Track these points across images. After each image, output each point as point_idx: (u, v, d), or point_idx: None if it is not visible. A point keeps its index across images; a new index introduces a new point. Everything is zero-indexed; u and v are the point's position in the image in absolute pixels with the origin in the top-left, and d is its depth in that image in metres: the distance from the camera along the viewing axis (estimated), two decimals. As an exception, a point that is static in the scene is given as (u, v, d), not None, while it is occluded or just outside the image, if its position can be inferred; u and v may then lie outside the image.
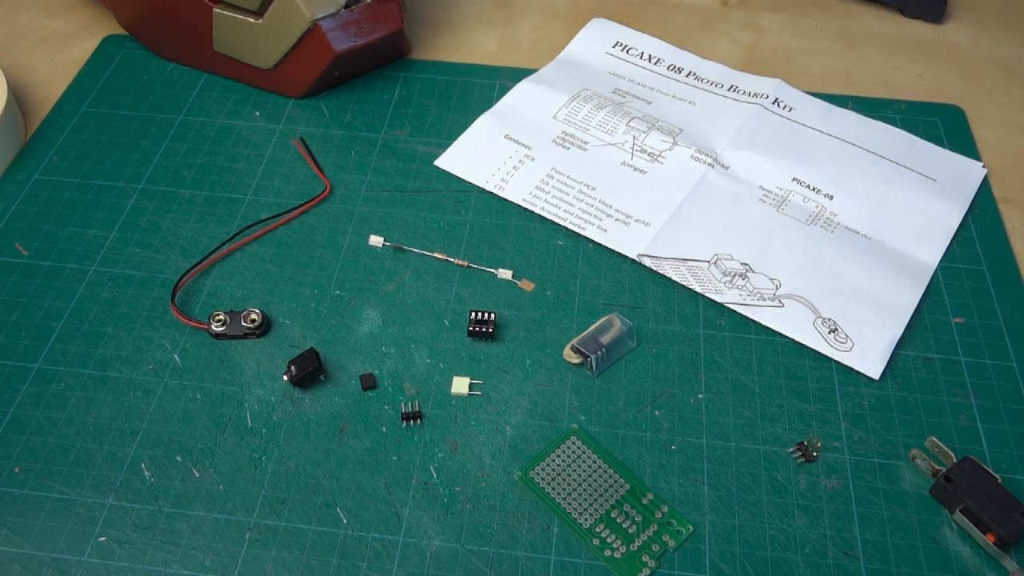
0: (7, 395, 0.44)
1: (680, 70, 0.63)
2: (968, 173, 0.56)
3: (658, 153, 0.56)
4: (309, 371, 0.44)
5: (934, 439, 0.42)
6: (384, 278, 0.49)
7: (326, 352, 0.46)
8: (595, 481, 0.41)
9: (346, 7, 0.57)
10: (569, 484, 0.41)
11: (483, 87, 0.61)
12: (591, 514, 0.40)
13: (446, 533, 0.39)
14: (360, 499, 0.41)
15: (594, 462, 0.42)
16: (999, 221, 0.53)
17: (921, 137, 0.58)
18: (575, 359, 0.45)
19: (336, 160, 0.56)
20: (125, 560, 0.39)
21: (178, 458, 0.42)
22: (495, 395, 0.44)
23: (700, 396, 0.44)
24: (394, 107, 0.59)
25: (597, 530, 0.40)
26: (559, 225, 0.52)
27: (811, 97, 0.60)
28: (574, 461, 0.42)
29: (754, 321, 0.47)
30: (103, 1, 0.63)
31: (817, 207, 0.53)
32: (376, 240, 0.51)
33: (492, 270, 0.50)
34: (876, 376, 0.45)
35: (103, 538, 0.39)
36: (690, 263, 0.50)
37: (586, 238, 0.51)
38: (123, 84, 0.61)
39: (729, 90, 0.61)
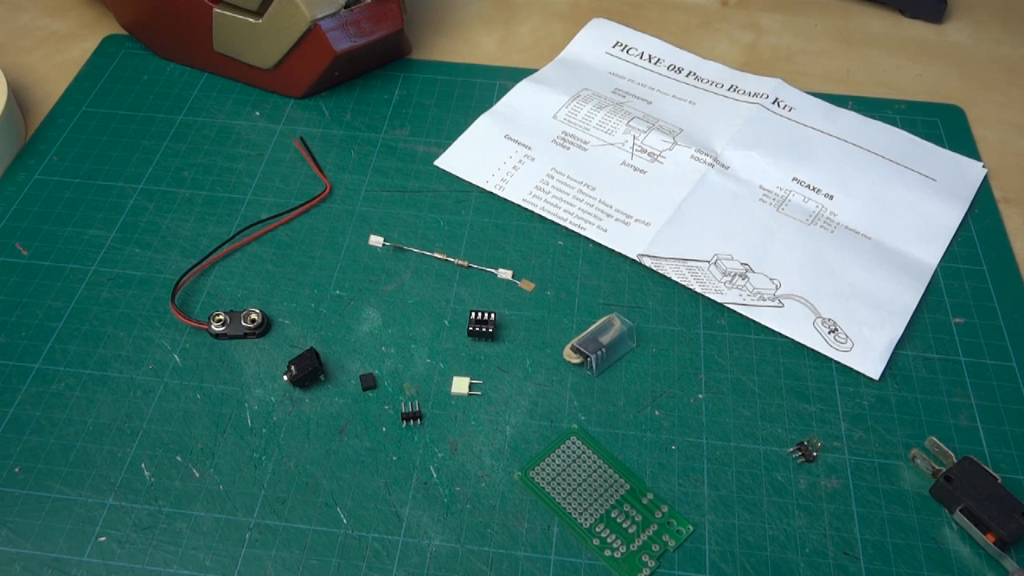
0: (7, 395, 0.44)
1: (680, 70, 0.63)
2: (968, 173, 0.56)
3: (658, 153, 0.56)
4: (309, 371, 0.44)
5: (934, 439, 0.42)
6: (384, 278, 0.49)
7: (326, 352, 0.46)
8: (595, 481, 0.41)
9: (346, 7, 0.57)
10: (569, 484, 0.41)
11: (483, 87, 0.61)
12: (591, 514, 0.40)
13: (446, 533, 0.39)
14: (360, 499, 0.41)
15: (594, 462, 0.42)
16: (999, 221, 0.53)
17: (921, 137, 0.58)
18: (575, 359, 0.45)
19: (336, 160, 0.56)
20: (125, 560, 0.39)
21: (178, 458, 0.42)
22: (495, 395, 0.44)
23: (700, 396, 0.44)
24: (394, 107, 0.59)
25: (597, 530, 0.40)
26: (559, 225, 0.52)
27: (811, 97, 0.60)
28: (574, 461, 0.42)
29: (754, 321, 0.47)
30: (103, 1, 0.63)
31: (817, 207, 0.53)
32: (376, 240, 0.51)
33: (492, 270, 0.50)
34: (876, 376, 0.45)
35: (103, 538, 0.39)
36: (690, 263, 0.50)
37: (586, 238, 0.51)
38: (123, 84, 0.61)
39: (729, 90, 0.61)
